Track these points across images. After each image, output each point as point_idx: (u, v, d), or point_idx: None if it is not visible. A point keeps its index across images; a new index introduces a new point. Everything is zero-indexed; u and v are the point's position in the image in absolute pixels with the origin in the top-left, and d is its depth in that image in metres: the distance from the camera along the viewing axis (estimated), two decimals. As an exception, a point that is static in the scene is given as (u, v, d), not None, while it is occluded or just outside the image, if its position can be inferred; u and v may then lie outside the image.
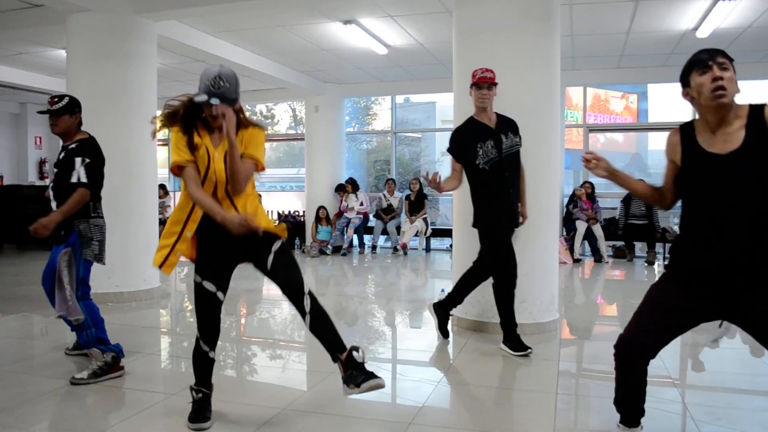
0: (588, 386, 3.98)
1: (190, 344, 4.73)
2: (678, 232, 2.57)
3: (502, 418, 3.22)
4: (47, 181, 12.60)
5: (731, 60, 2.37)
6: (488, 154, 4.30)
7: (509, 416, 3.27)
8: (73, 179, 3.73)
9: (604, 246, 10.01)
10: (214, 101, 2.81)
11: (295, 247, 11.65)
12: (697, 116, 2.50)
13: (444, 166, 13.70)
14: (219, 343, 4.48)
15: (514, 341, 4.37)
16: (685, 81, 2.44)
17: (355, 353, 2.85)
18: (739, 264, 2.32)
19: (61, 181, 3.76)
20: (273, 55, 9.38)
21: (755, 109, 2.35)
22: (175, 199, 13.47)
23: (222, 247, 3.01)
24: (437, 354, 4.65)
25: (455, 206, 5.39)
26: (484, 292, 4.98)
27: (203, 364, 3.10)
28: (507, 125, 4.44)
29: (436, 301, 4.95)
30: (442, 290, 5.65)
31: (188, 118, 2.96)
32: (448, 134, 4.70)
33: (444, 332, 4.81)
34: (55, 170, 3.85)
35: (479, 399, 3.55)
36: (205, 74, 2.86)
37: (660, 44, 8.31)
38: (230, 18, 7.39)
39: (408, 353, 4.83)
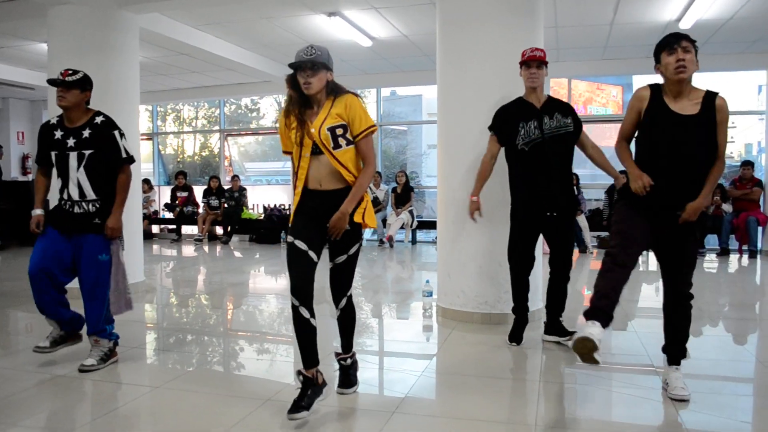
0: (573, 375, 4.01)
1: (176, 339, 4.75)
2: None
3: (486, 406, 3.24)
4: (30, 176, 12.48)
5: (693, 42, 3.09)
6: (530, 134, 4.09)
7: (493, 404, 3.29)
8: (123, 154, 3.75)
9: (589, 236, 10.08)
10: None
11: (281, 240, 11.63)
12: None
13: (430, 159, 13.72)
14: (204, 337, 4.48)
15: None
16: (657, 58, 3.15)
17: (342, 362, 3.33)
18: (676, 201, 3.11)
19: (99, 162, 3.68)
20: (257, 47, 9.33)
21: (710, 94, 3.11)
22: (160, 193, 13.47)
23: (316, 217, 3.08)
24: (423, 344, 4.67)
25: (440, 199, 5.40)
26: (469, 282, 5.01)
27: (306, 334, 2.99)
28: (555, 106, 4.20)
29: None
30: (427, 281, 5.67)
31: (296, 101, 3.08)
32: (434, 127, 4.66)
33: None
34: (87, 152, 3.68)
35: (463, 388, 3.57)
36: (299, 50, 3.02)
37: (644, 35, 8.35)
38: (214, 11, 7.35)
39: (394, 344, 4.84)
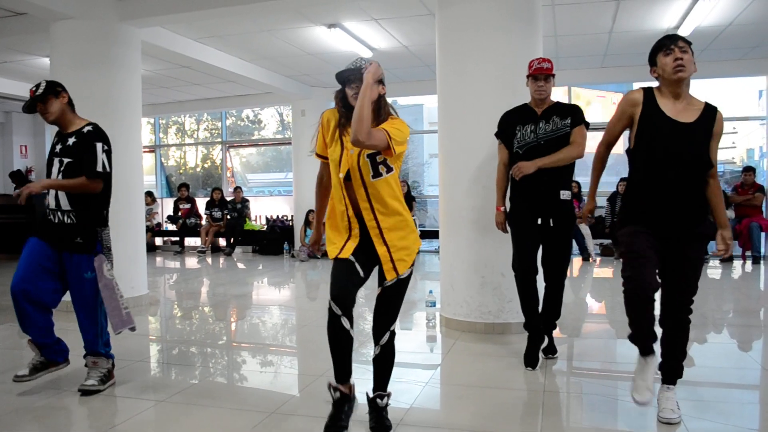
0: (576, 384, 4.00)
1: (180, 351, 4.75)
2: (630, 186, 3.13)
3: (490, 417, 3.24)
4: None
5: (689, 44, 2.98)
6: (525, 138, 4.05)
7: (497, 415, 3.28)
8: (98, 167, 3.53)
9: (592, 244, 10.07)
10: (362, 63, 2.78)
11: (284, 251, 11.64)
12: (658, 87, 3.07)
13: (432, 168, 13.74)
14: (208, 349, 4.47)
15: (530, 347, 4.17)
16: (652, 61, 3.05)
17: (378, 401, 2.99)
18: (677, 214, 2.97)
19: (76, 173, 3.52)
20: (258, 60, 9.37)
21: (709, 108, 3.01)
22: (163, 205, 13.50)
23: (365, 242, 2.87)
24: (426, 354, 4.67)
25: (442, 208, 5.41)
26: (471, 293, 5.00)
27: (342, 344, 2.81)
28: (556, 110, 4.09)
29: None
30: (431, 291, 5.67)
31: (342, 118, 2.87)
32: (436, 136, 4.67)
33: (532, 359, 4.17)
34: (66, 160, 3.55)
35: (468, 399, 3.56)
36: (350, 64, 2.85)
37: (643, 43, 8.33)
38: (215, 24, 7.39)
39: (397, 354, 4.79)
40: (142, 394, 3.68)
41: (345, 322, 2.75)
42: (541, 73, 4.05)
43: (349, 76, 2.77)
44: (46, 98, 3.59)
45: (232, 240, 11.99)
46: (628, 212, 3.11)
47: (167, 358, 4.65)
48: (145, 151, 12.01)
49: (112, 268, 3.68)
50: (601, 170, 3.36)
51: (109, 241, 3.75)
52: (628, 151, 3.11)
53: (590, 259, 9.92)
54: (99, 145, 3.58)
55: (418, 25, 7.52)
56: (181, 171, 15.48)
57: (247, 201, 12.37)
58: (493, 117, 4.50)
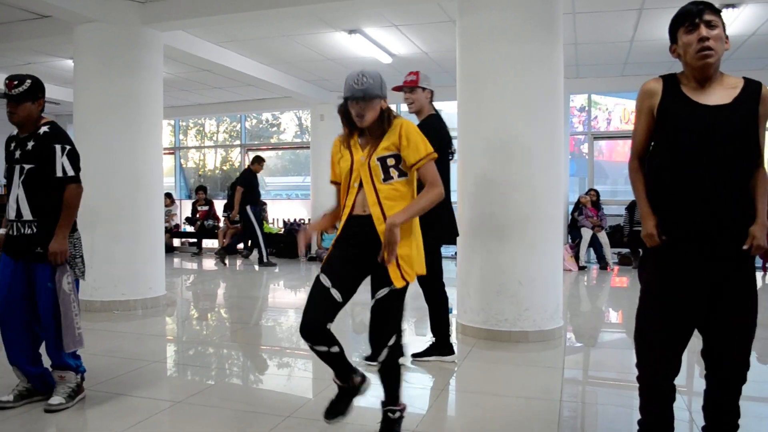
0: (593, 393, 3.97)
1: (196, 352, 4.78)
2: (656, 193, 2.42)
3: (506, 425, 3.22)
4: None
5: (719, 14, 2.33)
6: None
7: (513, 424, 3.27)
8: (58, 173, 3.23)
9: (610, 253, 10.01)
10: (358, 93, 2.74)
11: (301, 255, 11.67)
12: (682, 72, 2.47)
13: (451, 174, 13.70)
14: (224, 351, 4.49)
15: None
16: (672, 37, 2.41)
17: (390, 414, 2.90)
18: (717, 230, 2.28)
19: (38, 178, 3.24)
20: (278, 64, 9.43)
21: (751, 84, 2.36)
22: (182, 207, 13.60)
23: (349, 252, 2.81)
24: (442, 361, 4.66)
25: (460, 214, 5.40)
26: (488, 300, 4.99)
27: (330, 360, 2.81)
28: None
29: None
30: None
31: (348, 132, 2.91)
32: (455, 142, 4.66)
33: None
34: (27, 167, 3.24)
35: (483, 406, 3.55)
36: (349, 76, 2.81)
37: (664, 52, 8.17)
38: (235, 28, 7.44)
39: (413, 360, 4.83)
40: (159, 395, 3.71)
41: (320, 347, 2.74)
42: (404, 86, 4.36)
43: (354, 95, 2.75)
44: (21, 101, 3.25)
45: (249, 242, 12.04)
46: (658, 230, 2.42)
47: (183, 360, 4.69)
48: (165, 153, 12.13)
49: (83, 276, 3.42)
50: (643, 186, 2.47)
51: (80, 247, 3.44)
52: (651, 151, 2.48)
53: (608, 267, 9.85)
54: (58, 147, 3.26)
55: (438, 32, 7.52)
56: (200, 173, 15.59)
57: (265, 204, 12.43)
58: (512, 124, 4.51)
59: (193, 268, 10.76)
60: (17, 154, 3.29)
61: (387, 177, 2.75)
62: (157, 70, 6.70)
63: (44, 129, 3.31)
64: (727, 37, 2.34)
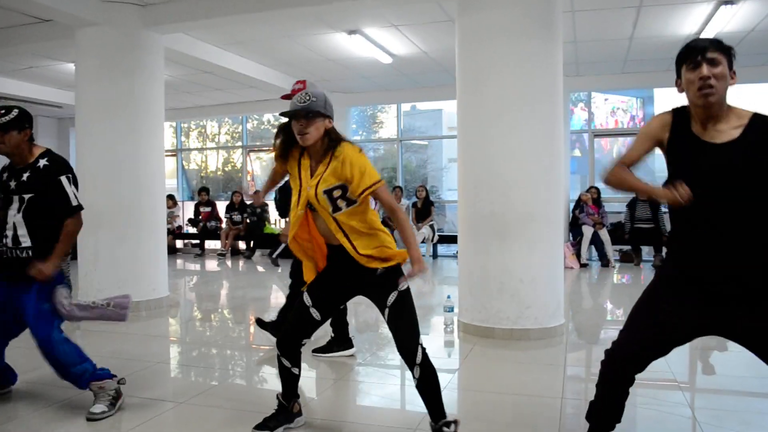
0: (595, 391, 3.98)
1: (199, 353, 4.80)
2: (672, 235, 2.46)
3: (508, 423, 3.24)
4: None
5: (727, 50, 2.28)
6: None
7: (515, 422, 3.28)
8: (74, 202, 3.31)
9: (611, 250, 10.01)
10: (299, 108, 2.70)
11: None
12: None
13: (451, 172, 13.74)
14: (227, 351, 4.51)
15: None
16: (678, 71, 2.37)
17: (445, 428, 2.81)
18: (732, 266, 2.22)
19: (38, 208, 3.27)
20: (279, 65, 9.45)
21: (759, 118, 2.28)
22: (184, 208, 13.62)
23: (334, 276, 2.90)
24: (444, 359, 4.68)
25: (460, 213, 5.42)
26: (490, 298, 5.00)
27: (287, 378, 3.02)
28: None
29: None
30: (449, 297, 5.68)
31: (285, 145, 2.89)
32: (455, 141, 4.67)
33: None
34: (26, 196, 3.27)
35: (485, 404, 3.57)
36: (294, 96, 2.78)
37: (664, 49, 8.31)
38: (236, 30, 7.47)
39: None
40: (162, 396, 3.73)
41: (285, 361, 2.93)
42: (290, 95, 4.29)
43: (296, 111, 2.70)
44: (8, 129, 3.26)
45: (251, 243, 12.07)
46: (666, 264, 2.50)
47: (187, 360, 4.71)
48: (166, 155, 12.17)
49: (70, 297, 3.38)
50: (630, 172, 2.45)
51: (68, 270, 3.47)
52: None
53: (609, 264, 9.86)
54: (64, 179, 3.31)
55: (437, 32, 7.54)
56: (202, 174, 15.62)
57: (267, 205, 12.44)
58: (512, 123, 4.53)
59: (196, 269, 10.79)
60: (12, 184, 3.31)
61: (335, 209, 2.74)
62: (158, 72, 6.73)
63: (44, 162, 3.33)
64: (733, 73, 2.30)
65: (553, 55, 5.13)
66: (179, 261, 11.69)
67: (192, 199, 14.22)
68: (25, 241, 3.27)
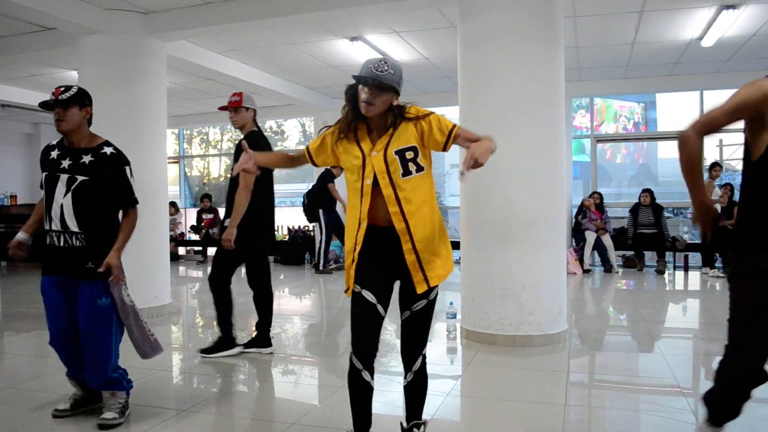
0: (598, 397, 3.97)
1: (201, 360, 4.79)
2: (757, 210, 2.25)
3: (511, 430, 3.23)
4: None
5: None
6: None
7: (518, 428, 3.27)
8: (135, 194, 3.33)
9: (614, 256, 10.00)
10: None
11: (306, 261, 11.69)
12: None
13: (453, 178, 13.73)
14: (230, 358, 4.50)
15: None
16: None
17: (415, 429, 2.75)
18: None
19: (91, 193, 3.20)
20: (281, 72, 9.48)
21: None
22: (186, 215, 13.63)
23: (380, 258, 2.58)
24: (447, 366, 4.66)
25: (462, 219, 5.41)
26: (492, 304, 4.99)
27: (364, 398, 2.59)
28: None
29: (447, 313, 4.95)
30: (451, 303, 5.67)
31: (355, 113, 2.60)
32: (457, 147, 4.64)
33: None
34: (80, 178, 3.19)
35: (488, 411, 3.56)
36: (370, 59, 2.55)
37: (666, 54, 8.32)
38: (238, 37, 7.49)
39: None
40: (164, 404, 3.72)
41: (366, 375, 2.53)
42: (228, 107, 4.91)
43: (368, 78, 2.47)
44: (69, 106, 3.23)
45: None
46: (752, 251, 2.26)
47: (189, 368, 4.70)
48: (169, 162, 12.19)
49: (127, 293, 3.32)
50: (701, 170, 2.31)
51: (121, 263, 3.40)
52: (749, 162, 2.28)
53: (612, 270, 9.85)
54: (127, 170, 3.34)
55: (439, 38, 7.56)
56: (205, 181, 15.64)
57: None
58: (513, 127, 4.52)
59: (198, 276, 10.79)
60: (64, 163, 3.24)
61: (406, 172, 2.51)
62: (160, 79, 6.75)
63: (110, 150, 3.32)
64: None
65: (554, 59, 5.13)
66: (182, 268, 11.70)
67: (194, 206, 14.24)
68: (73, 227, 3.18)
